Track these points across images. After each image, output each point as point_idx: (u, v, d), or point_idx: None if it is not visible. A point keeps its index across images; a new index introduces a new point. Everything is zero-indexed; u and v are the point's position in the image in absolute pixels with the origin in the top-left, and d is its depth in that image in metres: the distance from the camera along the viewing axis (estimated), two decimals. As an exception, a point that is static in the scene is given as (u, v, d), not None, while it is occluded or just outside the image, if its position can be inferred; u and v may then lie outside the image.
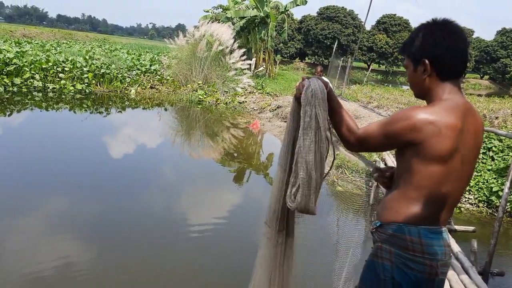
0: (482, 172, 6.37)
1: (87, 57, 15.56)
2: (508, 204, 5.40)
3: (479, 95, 17.92)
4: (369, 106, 13.39)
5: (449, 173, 1.45)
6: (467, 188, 6.27)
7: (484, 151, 6.60)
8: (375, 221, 1.60)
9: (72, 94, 12.79)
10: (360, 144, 1.59)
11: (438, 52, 1.50)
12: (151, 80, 15.53)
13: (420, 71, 1.54)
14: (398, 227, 1.48)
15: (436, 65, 1.50)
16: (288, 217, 1.80)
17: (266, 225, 1.78)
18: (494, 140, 6.62)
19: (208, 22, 17.10)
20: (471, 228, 4.18)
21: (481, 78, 59.10)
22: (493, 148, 6.58)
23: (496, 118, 8.68)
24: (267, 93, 15.76)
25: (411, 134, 1.42)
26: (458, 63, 1.52)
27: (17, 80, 12.51)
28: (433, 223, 1.50)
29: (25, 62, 13.21)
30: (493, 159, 6.50)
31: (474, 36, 54.34)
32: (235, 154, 8.46)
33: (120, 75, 14.80)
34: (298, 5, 21.04)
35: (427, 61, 1.51)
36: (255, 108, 13.72)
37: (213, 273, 3.77)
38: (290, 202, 1.65)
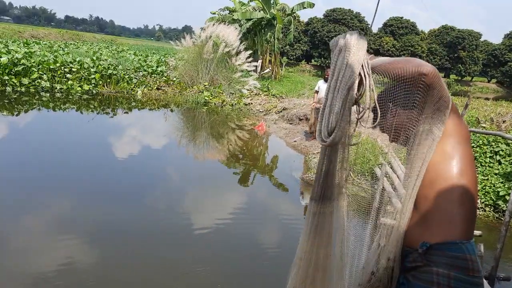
0: (489, 176, 6.32)
1: (94, 58, 15.66)
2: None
3: (487, 99, 17.77)
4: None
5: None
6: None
7: (491, 155, 6.55)
8: (423, 243, 1.42)
9: (79, 94, 12.88)
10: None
11: None
12: (157, 81, 15.61)
13: None
14: (456, 247, 1.36)
15: None
16: (328, 186, 1.63)
17: (311, 200, 1.61)
18: (501, 143, 6.57)
19: (214, 24, 17.15)
20: (477, 232, 4.15)
21: (489, 81, 58.71)
22: (500, 152, 6.52)
23: (504, 121, 8.61)
24: (273, 95, 15.77)
25: None
26: None
27: (25, 80, 12.61)
28: (473, 235, 1.44)
29: (33, 62, 13.33)
30: (500, 163, 6.44)
31: (481, 39, 53.97)
32: (241, 156, 8.46)
33: (127, 76, 14.88)
34: (305, 7, 21.05)
35: None
36: (261, 110, 13.73)
37: (222, 276, 3.77)
38: (322, 137, 1.49)
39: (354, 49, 1.43)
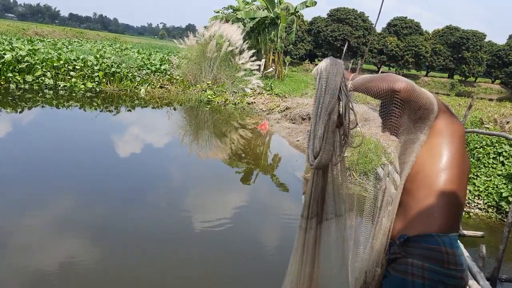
0: (492, 177, 6.31)
1: (98, 56, 15.69)
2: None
3: (490, 100, 17.69)
4: (379, 109, 13.30)
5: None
6: (477, 193, 6.21)
7: (494, 156, 6.53)
8: (401, 236, 1.47)
9: (82, 92, 12.91)
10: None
11: None
12: (160, 80, 15.63)
13: None
14: (431, 239, 1.40)
15: None
16: (318, 204, 1.78)
17: (301, 217, 1.76)
18: (505, 145, 6.55)
19: (218, 23, 17.15)
20: (479, 233, 4.15)
21: (493, 82, 58.48)
22: (504, 153, 6.50)
23: (507, 122, 8.57)
24: (276, 94, 15.77)
25: None
26: None
27: (29, 78, 12.65)
28: (457, 229, 1.45)
29: (37, 60, 13.36)
30: (503, 164, 6.42)
31: (486, 40, 53.73)
32: (243, 155, 8.46)
33: (130, 74, 14.90)
34: (307, 6, 21.03)
35: None
36: (264, 109, 13.73)
37: (224, 276, 3.78)
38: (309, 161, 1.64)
39: (331, 76, 1.56)
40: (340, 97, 1.58)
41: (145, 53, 22.76)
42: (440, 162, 1.46)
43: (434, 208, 1.42)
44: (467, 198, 5.93)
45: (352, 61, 19.75)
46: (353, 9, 51.37)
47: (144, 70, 16.00)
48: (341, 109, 1.59)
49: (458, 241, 1.46)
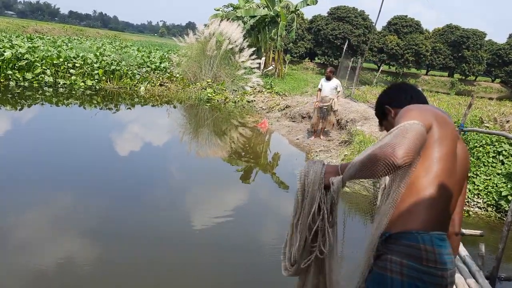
0: (492, 176, 6.31)
1: (97, 54, 15.67)
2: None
3: (490, 99, 17.71)
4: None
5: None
6: (476, 191, 6.21)
7: (494, 155, 6.53)
8: (384, 233, 1.48)
9: (82, 90, 12.90)
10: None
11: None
12: (160, 78, 15.61)
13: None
14: (411, 236, 1.40)
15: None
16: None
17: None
18: (505, 143, 6.55)
19: (218, 21, 17.13)
20: (478, 232, 4.15)
21: (493, 81, 58.43)
22: (503, 152, 6.50)
23: (507, 121, 8.58)
24: (276, 92, 15.76)
25: None
26: None
27: (29, 75, 12.64)
28: (442, 228, 1.45)
29: (37, 57, 13.35)
30: (503, 163, 6.42)
31: (486, 39, 53.64)
32: (243, 153, 8.46)
33: (130, 72, 14.89)
34: (308, 4, 21.00)
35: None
36: (264, 108, 13.72)
37: (227, 277, 3.78)
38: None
39: (310, 186, 1.59)
40: (320, 205, 1.59)
41: (145, 51, 22.75)
42: (425, 164, 1.45)
43: (417, 206, 1.42)
44: (466, 197, 5.93)
45: (352, 59, 19.70)
46: (354, 7, 51.28)
47: (144, 68, 15.99)
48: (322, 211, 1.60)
49: (446, 240, 1.45)
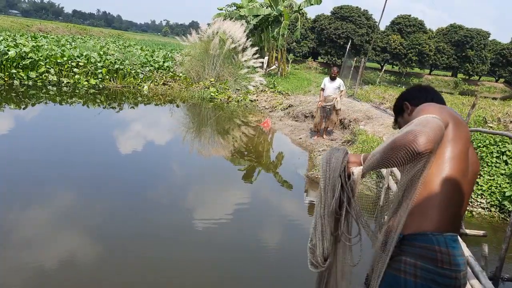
0: (495, 176, 6.29)
1: (101, 53, 15.71)
2: (521, 209, 5.33)
3: (494, 98, 17.64)
4: (382, 107, 13.28)
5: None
6: (480, 192, 6.20)
7: (497, 155, 6.51)
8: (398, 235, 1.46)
9: (85, 89, 12.94)
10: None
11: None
12: (163, 77, 15.64)
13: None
14: (425, 237, 1.39)
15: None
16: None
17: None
18: (509, 144, 6.53)
19: (221, 20, 17.13)
20: (481, 232, 4.14)
21: (496, 81, 58.19)
22: (507, 152, 6.48)
23: (511, 122, 8.55)
24: (279, 92, 15.75)
25: None
26: None
27: (33, 74, 12.68)
28: (454, 229, 1.44)
29: (41, 56, 13.40)
30: (506, 163, 6.40)
31: (490, 39, 53.41)
32: (245, 152, 8.46)
33: (134, 71, 14.92)
34: (312, 4, 20.95)
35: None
36: (267, 107, 13.72)
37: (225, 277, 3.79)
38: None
39: (331, 172, 1.55)
40: (342, 195, 1.57)
41: (148, 50, 22.78)
42: (439, 163, 1.44)
43: (430, 208, 1.42)
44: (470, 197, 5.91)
45: (355, 59, 19.67)
46: (357, 6, 51.15)
47: (147, 67, 16.02)
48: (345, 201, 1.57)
49: (458, 241, 1.45)
